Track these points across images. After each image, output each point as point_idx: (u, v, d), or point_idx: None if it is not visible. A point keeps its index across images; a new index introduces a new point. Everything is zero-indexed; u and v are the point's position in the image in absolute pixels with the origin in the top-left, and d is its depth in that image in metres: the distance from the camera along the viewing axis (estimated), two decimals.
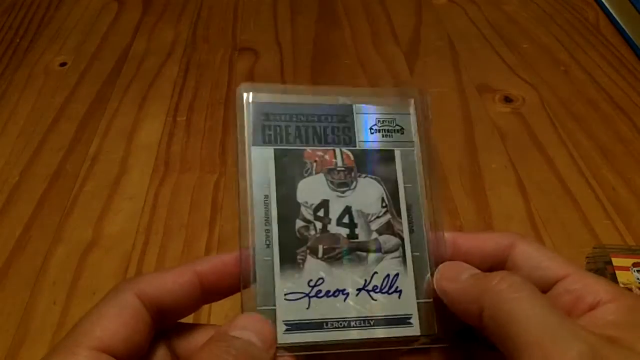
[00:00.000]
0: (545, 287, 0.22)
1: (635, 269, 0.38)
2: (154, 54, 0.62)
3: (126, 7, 0.70)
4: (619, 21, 0.65)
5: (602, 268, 0.38)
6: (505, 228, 0.43)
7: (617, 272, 0.38)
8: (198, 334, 0.23)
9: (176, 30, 0.66)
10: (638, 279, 0.38)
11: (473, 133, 0.52)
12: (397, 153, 0.25)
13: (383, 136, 0.25)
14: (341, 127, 0.25)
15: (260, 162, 0.24)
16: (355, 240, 0.24)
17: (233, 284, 0.23)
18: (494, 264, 0.23)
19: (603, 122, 0.53)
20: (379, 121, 0.25)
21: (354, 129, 0.25)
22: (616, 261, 0.39)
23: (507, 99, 0.56)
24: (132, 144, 0.51)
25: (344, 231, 0.24)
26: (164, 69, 0.60)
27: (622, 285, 0.37)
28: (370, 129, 0.25)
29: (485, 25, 0.66)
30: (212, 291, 0.23)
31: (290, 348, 0.22)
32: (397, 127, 0.25)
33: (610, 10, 0.67)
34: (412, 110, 0.26)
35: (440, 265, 0.23)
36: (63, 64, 0.61)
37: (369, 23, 0.67)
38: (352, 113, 0.25)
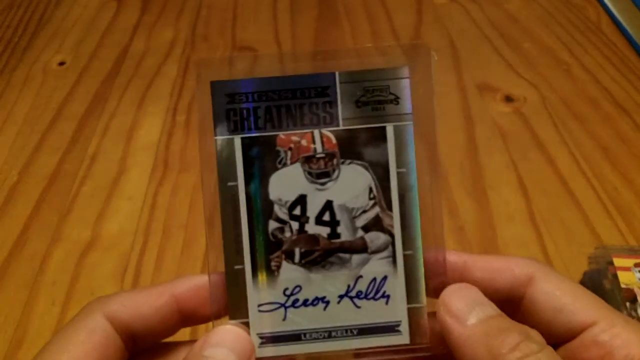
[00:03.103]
0: (570, 335, 0.20)
1: (637, 269, 0.38)
2: (153, 53, 0.62)
3: (125, 6, 0.70)
4: (621, 20, 0.65)
5: (604, 269, 0.38)
6: (506, 228, 0.43)
7: (618, 272, 0.38)
8: (173, 354, 0.21)
9: (175, 29, 0.66)
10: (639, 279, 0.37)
11: (474, 133, 0.51)
12: (389, 129, 0.21)
13: (373, 109, 0.21)
14: (321, 103, 0.21)
15: (225, 155, 0.20)
16: (337, 240, 0.21)
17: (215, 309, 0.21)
18: (509, 299, 0.21)
19: (605, 122, 0.52)
20: (367, 91, 0.21)
21: (336, 103, 0.21)
22: (618, 262, 0.38)
23: (508, 99, 0.55)
24: (131, 143, 0.51)
25: (324, 231, 0.21)
26: (163, 68, 0.60)
27: (623, 286, 0.37)
28: (357, 101, 0.21)
29: (486, 25, 0.66)
30: (191, 315, 0.21)
31: None
32: (391, 97, 0.21)
33: (612, 9, 0.67)
34: (409, 73, 0.21)
35: (447, 290, 0.20)
36: (62, 63, 0.60)
37: (369, 22, 0.67)
38: (335, 82, 0.21)
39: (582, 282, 0.39)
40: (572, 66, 0.59)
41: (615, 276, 0.38)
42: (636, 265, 0.38)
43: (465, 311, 0.19)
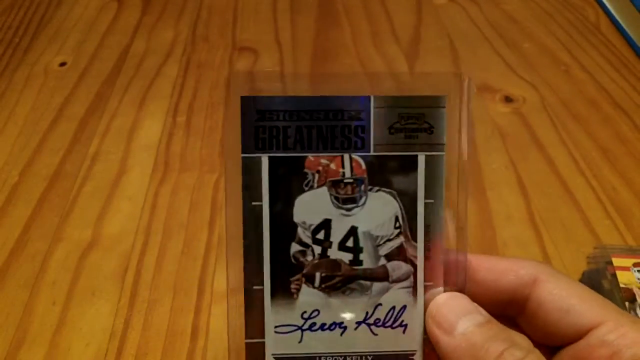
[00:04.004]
0: (577, 335, 0.20)
1: (635, 269, 0.38)
2: (154, 53, 0.62)
3: (126, 7, 0.70)
4: (620, 21, 0.65)
5: (603, 268, 0.38)
6: (505, 228, 0.43)
7: (617, 272, 0.38)
8: None
9: (176, 30, 0.66)
10: (638, 279, 0.37)
11: (473, 133, 0.52)
12: (421, 159, 0.20)
13: (406, 137, 0.20)
14: (353, 127, 0.20)
15: (251, 173, 0.20)
16: (359, 267, 0.21)
17: None
18: (514, 300, 0.21)
19: (604, 122, 0.53)
20: (402, 117, 0.20)
21: (369, 128, 0.20)
22: (617, 261, 0.38)
23: (508, 99, 0.55)
24: (131, 144, 0.51)
25: (346, 257, 0.20)
26: (164, 68, 0.60)
27: (622, 286, 0.37)
28: (391, 127, 0.20)
29: (486, 25, 0.66)
30: None
31: None
32: (426, 126, 0.20)
33: (611, 10, 0.67)
34: (446, 102, 0.20)
35: (434, 302, 0.20)
36: (63, 64, 0.60)
37: (369, 22, 0.67)
38: (370, 107, 0.20)
39: (581, 282, 0.39)
40: (571, 67, 0.59)
41: (614, 276, 0.38)
42: (635, 265, 0.38)
43: (453, 322, 0.19)
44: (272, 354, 0.20)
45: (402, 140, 0.20)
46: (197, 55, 0.61)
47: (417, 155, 0.20)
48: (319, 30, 0.66)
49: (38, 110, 0.55)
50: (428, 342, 0.20)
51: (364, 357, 0.21)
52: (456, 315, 0.19)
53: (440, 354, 0.20)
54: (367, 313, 0.21)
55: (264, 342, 0.20)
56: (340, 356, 0.21)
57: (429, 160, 0.20)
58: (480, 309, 0.20)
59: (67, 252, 0.42)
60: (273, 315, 0.20)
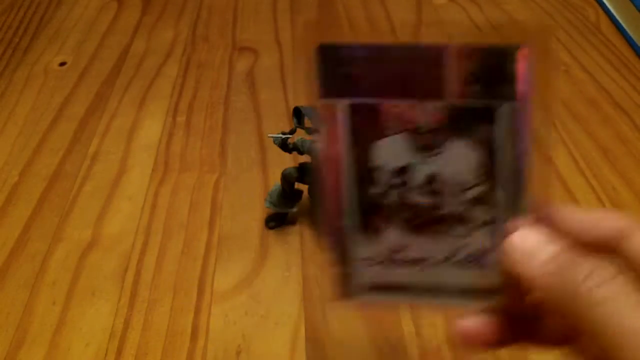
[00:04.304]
0: None
1: None
2: (154, 53, 0.62)
3: (126, 7, 0.70)
4: (620, 20, 0.65)
5: None
6: None
7: None
8: None
9: (176, 30, 0.66)
10: None
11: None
12: (501, 108, 0.20)
13: (484, 87, 0.20)
14: (431, 75, 0.20)
15: (332, 118, 0.20)
16: (440, 211, 0.21)
17: None
18: (601, 253, 0.20)
19: (604, 122, 0.53)
20: (481, 67, 0.20)
21: (447, 77, 0.20)
22: None
23: None
24: (131, 143, 0.51)
25: (427, 200, 0.21)
26: (164, 68, 0.60)
27: None
28: (469, 77, 0.20)
29: (486, 25, 0.66)
30: None
31: (366, 306, 0.22)
32: (505, 75, 0.20)
33: (611, 10, 0.67)
34: (528, 52, 0.20)
35: (515, 233, 0.20)
36: (63, 64, 0.60)
37: (369, 22, 0.67)
38: (448, 56, 0.20)
39: None
40: (571, 67, 0.59)
41: None
42: None
43: (536, 248, 0.19)
44: (358, 283, 0.21)
45: (480, 90, 0.20)
46: (197, 55, 0.61)
47: (496, 105, 0.20)
48: (319, 30, 0.66)
49: (38, 110, 0.55)
50: (511, 281, 0.20)
51: (449, 291, 0.21)
52: (539, 243, 0.19)
53: (525, 282, 0.19)
54: (449, 253, 0.21)
55: (350, 273, 0.21)
56: (426, 288, 0.21)
57: (508, 110, 0.20)
58: (561, 240, 0.19)
59: (67, 252, 0.42)
60: (359, 248, 0.21)
